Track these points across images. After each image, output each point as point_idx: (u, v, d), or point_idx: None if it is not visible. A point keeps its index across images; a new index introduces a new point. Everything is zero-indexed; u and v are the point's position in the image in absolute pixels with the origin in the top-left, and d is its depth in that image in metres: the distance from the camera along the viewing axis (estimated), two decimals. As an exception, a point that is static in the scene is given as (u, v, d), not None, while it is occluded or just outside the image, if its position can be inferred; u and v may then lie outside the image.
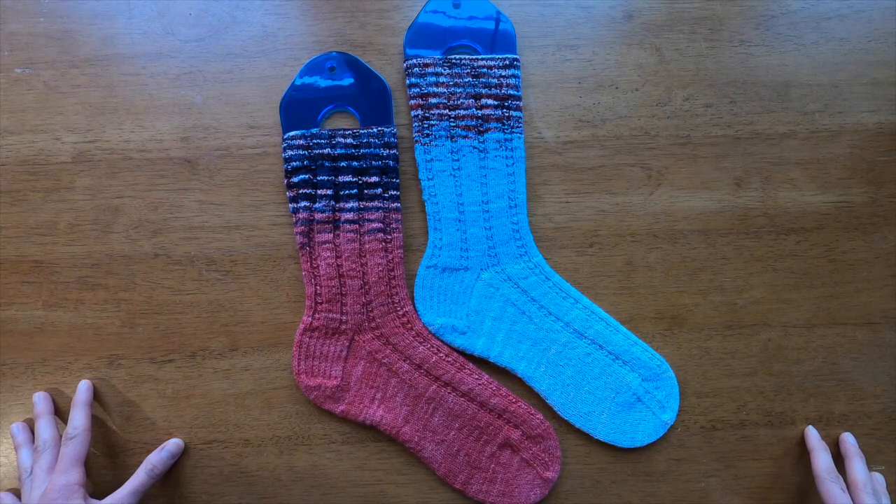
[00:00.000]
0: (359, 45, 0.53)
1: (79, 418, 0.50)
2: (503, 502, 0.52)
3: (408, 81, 0.52)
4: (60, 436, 0.51)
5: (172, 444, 0.52)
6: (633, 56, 0.54)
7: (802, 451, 0.54)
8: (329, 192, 0.51)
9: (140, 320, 0.53)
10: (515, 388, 0.54)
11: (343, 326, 0.53)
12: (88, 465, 0.51)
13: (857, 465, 0.51)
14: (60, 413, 0.53)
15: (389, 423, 0.52)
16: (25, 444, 0.51)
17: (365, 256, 0.52)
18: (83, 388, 0.52)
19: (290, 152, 0.51)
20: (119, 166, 0.53)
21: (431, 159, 0.52)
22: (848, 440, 0.53)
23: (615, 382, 0.53)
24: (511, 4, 0.54)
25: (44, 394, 0.52)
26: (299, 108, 0.52)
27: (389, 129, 0.51)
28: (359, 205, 0.51)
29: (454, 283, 0.54)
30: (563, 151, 0.54)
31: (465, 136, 0.52)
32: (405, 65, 0.52)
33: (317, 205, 0.51)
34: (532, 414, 0.52)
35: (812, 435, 0.53)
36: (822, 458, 0.51)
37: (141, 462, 0.51)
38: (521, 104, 0.52)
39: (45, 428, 0.50)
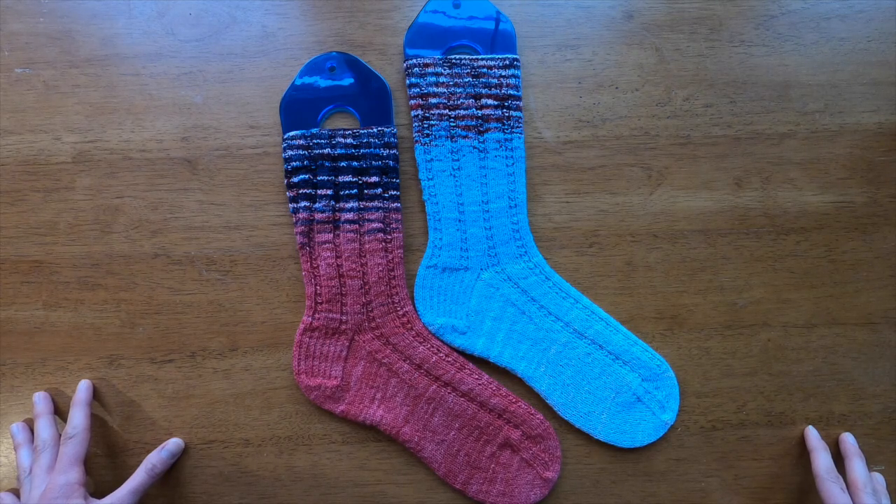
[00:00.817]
0: (359, 45, 0.53)
1: (78, 417, 0.50)
2: (503, 502, 0.52)
3: (408, 81, 0.52)
4: (60, 435, 0.51)
5: (172, 443, 0.52)
6: (633, 56, 0.54)
7: (802, 451, 0.54)
8: (329, 192, 0.51)
9: (140, 320, 0.53)
10: (515, 388, 0.54)
11: (343, 326, 0.53)
12: (88, 464, 0.51)
13: (857, 465, 0.51)
14: (60, 413, 0.53)
15: (389, 423, 0.52)
16: (25, 444, 0.51)
17: (365, 256, 0.52)
18: (83, 388, 0.52)
19: (290, 152, 0.51)
20: (119, 166, 0.53)
21: (431, 159, 0.52)
22: (848, 440, 0.53)
23: (615, 382, 0.53)
24: (511, 4, 0.54)
25: (43, 394, 0.52)
26: (299, 108, 0.52)
27: (389, 129, 0.51)
28: (359, 205, 0.51)
29: (454, 283, 0.54)
30: (563, 151, 0.54)
31: (465, 136, 0.52)
32: (405, 65, 0.52)
33: (317, 205, 0.51)
34: (532, 414, 0.52)
35: (812, 435, 0.53)
36: (822, 458, 0.51)
37: (141, 462, 0.51)
38: (521, 104, 0.52)
39: (44, 428, 0.50)
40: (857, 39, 0.55)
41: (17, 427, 0.52)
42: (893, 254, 0.55)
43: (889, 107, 0.55)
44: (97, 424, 0.53)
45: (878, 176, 0.55)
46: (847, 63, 0.55)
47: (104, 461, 0.53)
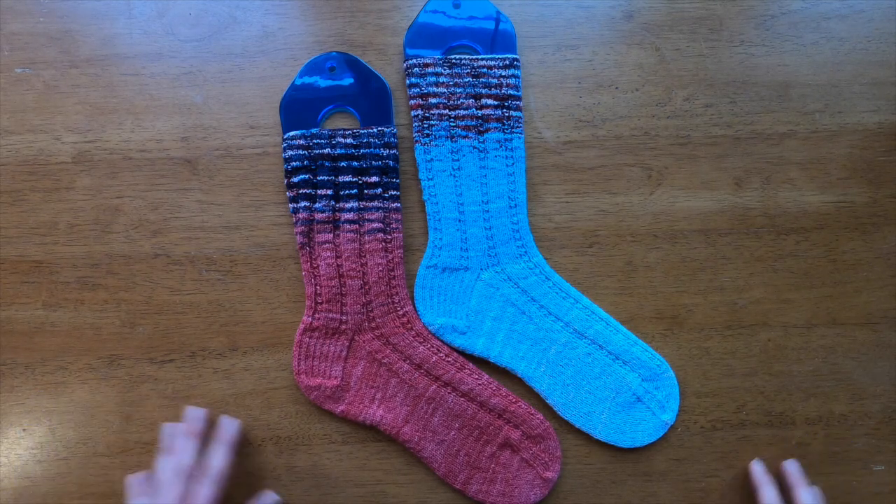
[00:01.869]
0: (359, 45, 0.53)
1: (220, 458, 0.47)
2: (503, 502, 0.52)
3: (408, 81, 0.52)
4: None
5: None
6: (633, 56, 0.54)
7: (802, 452, 0.54)
8: (329, 192, 0.51)
9: (140, 320, 0.53)
10: (515, 388, 0.54)
11: (343, 326, 0.53)
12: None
13: (803, 495, 0.50)
14: (61, 413, 0.53)
15: (389, 423, 0.52)
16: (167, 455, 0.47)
17: (365, 256, 0.52)
18: (230, 428, 0.49)
19: (290, 152, 0.51)
20: (119, 166, 0.53)
21: (431, 159, 0.52)
22: (790, 469, 0.52)
23: (615, 382, 0.53)
24: (511, 4, 0.54)
25: (200, 411, 0.49)
26: (299, 108, 0.52)
27: (389, 129, 0.51)
28: (359, 205, 0.51)
29: (454, 283, 0.54)
30: (563, 151, 0.54)
31: (465, 136, 0.52)
32: (405, 65, 0.52)
33: (317, 205, 0.51)
34: (532, 414, 0.52)
35: (756, 470, 0.52)
36: (768, 494, 0.50)
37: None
38: (521, 104, 0.52)
39: (190, 455, 0.47)
40: (857, 39, 0.55)
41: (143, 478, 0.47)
42: (893, 254, 0.55)
43: (889, 107, 0.55)
44: (97, 424, 0.53)
45: (878, 176, 0.55)
46: (847, 63, 0.55)
47: (104, 461, 0.53)
